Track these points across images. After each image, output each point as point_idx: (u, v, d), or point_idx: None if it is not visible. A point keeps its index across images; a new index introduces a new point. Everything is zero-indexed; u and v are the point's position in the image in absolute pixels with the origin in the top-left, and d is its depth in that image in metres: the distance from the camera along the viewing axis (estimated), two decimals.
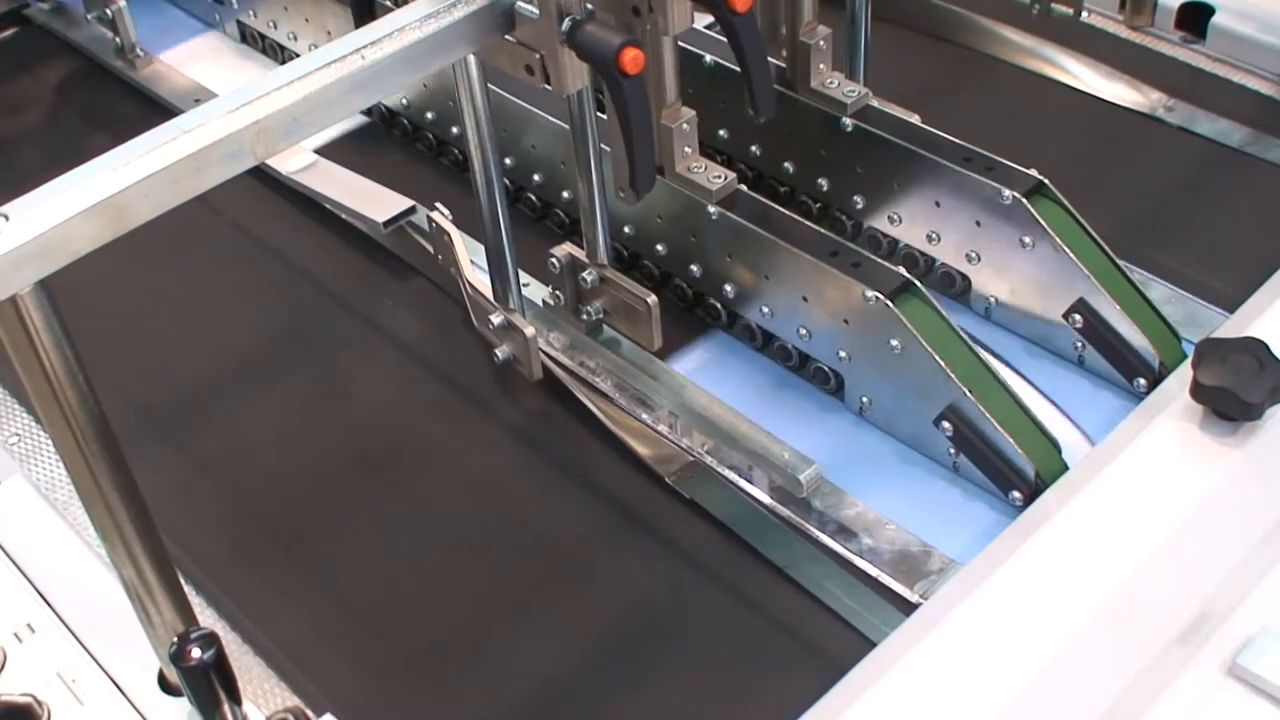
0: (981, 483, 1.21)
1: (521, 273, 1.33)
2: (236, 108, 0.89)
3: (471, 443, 1.32)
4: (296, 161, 1.60)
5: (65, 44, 1.95)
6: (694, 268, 1.36)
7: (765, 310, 1.31)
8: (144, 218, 0.85)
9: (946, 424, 1.20)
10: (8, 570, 1.15)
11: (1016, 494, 1.18)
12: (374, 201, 1.55)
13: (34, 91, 1.90)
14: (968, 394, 1.17)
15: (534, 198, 1.54)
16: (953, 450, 1.21)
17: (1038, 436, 1.19)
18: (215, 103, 0.89)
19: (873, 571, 1.15)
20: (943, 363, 1.17)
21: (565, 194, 1.50)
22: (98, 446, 0.89)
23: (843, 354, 1.26)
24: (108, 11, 1.83)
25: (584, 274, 1.31)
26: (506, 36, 1.03)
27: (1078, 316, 1.28)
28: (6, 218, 0.81)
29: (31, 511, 1.22)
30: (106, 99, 1.84)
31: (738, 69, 1.36)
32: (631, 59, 0.97)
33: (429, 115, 1.64)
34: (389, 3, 1.37)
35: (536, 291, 1.39)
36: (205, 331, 1.48)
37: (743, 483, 1.23)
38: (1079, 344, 1.29)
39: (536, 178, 1.52)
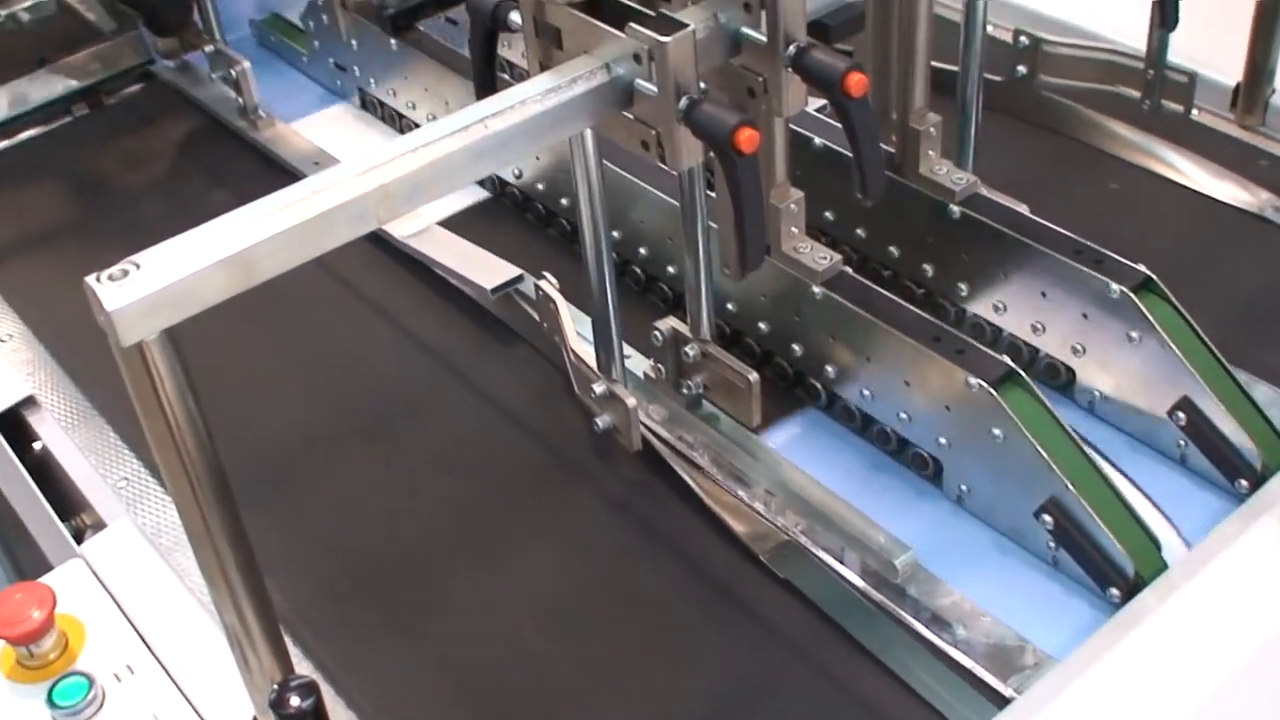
0: (1079, 578, 1.19)
1: (624, 344, 1.34)
2: (363, 171, 0.91)
3: (568, 509, 1.33)
4: (410, 226, 1.63)
5: (189, 102, 2.01)
6: (796, 347, 1.37)
7: (866, 392, 1.31)
8: (270, 273, 0.87)
9: (1047, 517, 1.19)
10: (111, 611, 1.18)
11: (1114, 590, 1.17)
12: (483, 268, 1.57)
13: (158, 146, 1.95)
14: (1069, 487, 1.16)
15: (639, 271, 1.56)
16: (1052, 544, 1.20)
17: (1138, 533, 1.18)
18: (343, 166, 0.92)
19: (966, 663, 1.14)
20: (1045, 455, 1.17)
21: (670, 269, 1.51)
22: (211, 493, 0.91)
23: (943, 440, 1.26)
24: (232, 72, 1.89)
25: (686, 348, 1.32)
26: (624, 112, 1.05)
27: (1181, 415, 1.27)
28: (138, 266, 0.83)
29: (137, 554, 1.26)
30: (227, 157, 1.89)
31: (846, 152, 1.38)
32: (747, 138, 0.98)
33: (540, 186, 1.67)
34: (506, 76, 1.40)
35: (638, 363, 1.41)
36: (312, 386, 1.51)
37: (837, 565, 1.23)
38: (1182, 442, 1.28)
39: (643, 251, 1.54)
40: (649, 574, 1.26)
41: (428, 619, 1.24)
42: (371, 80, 1.90)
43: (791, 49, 1.03)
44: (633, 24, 1.00)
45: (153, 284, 0.82)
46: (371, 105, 1.93)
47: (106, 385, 1.48)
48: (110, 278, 0.82)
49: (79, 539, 1.31)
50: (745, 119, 0.98)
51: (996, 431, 1.19)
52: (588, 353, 1.36)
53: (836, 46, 1.10)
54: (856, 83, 1.01)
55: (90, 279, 0.82)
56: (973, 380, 1.19)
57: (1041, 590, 1.21)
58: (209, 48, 1.95)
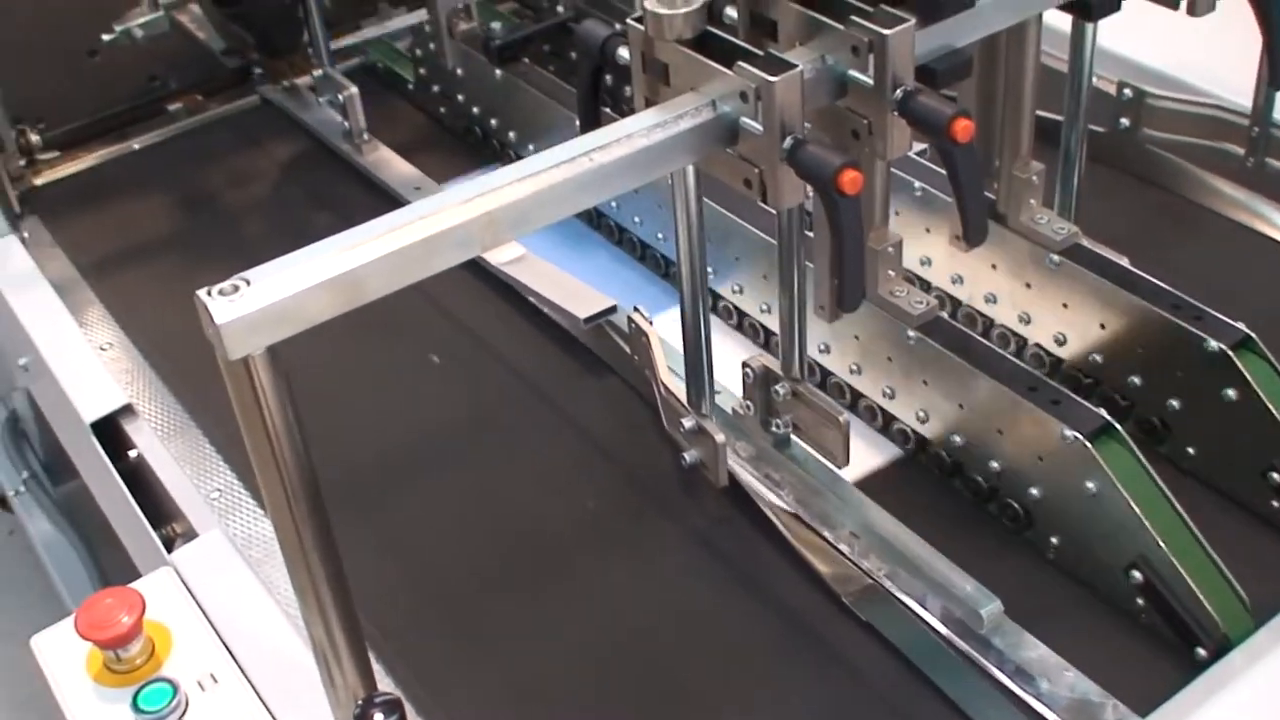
0: (1167, 635, 1.18)
1: (715, 380, 1.34)
2: (470, 198, 0.93)
3: (652, 542, 1.34)
4: (506, 253, 1.65)
5: (296, 124, 2.04)
6: (887, 389, 1.37)
7: (957, 439, 1.31)
8: (376, 294, 0.89)
9: (1136, 573, 1.18)
10: (198, 619, 1.20)
11: (1202, 650, 1.15)
12: (576, 298, 1.58)
13: (263, 166, 1.99)
14: (1160, 544, 1.15)
15: (731, 307, 1.56)
16: (1140, 600, 1.19)
17: (1227, 593, 1.16)
18: (451, 192, 0.93)
19: (1049, 716, 1.13)
20: (1137, 510, 1.16)
21: (763, 306, 1.52)
22: (306, 508, 0.92)
23: (1034, 491, 1.25)
24: (339, 97, 1.92)
25: (777, 386, 1.32)
26: (728, 149, 1.05)
27: (1275, 474, 1.25)
28: (248, 282, 0.85)
29: (226, 565, 1.27)
30: (331, 179, 1.92)
31: (946, 196, 1.38)
32: (850, 180, 0.98)
33: (636, 219, 1.68)
34: (607, 109, 1.41)
35: (727, 400, 1.41)
36: (402, 408, 1.53)
37: (921, 611, 1.22)
38: (1276, 502, 1.26)
39: (736, 287, 1.54)
40: (730, 610, 1.26)
41: (509, 642, 1.25)
42: (474, 109, 1.92)
43: (898, 93, 1.04)
44: (741, 63, 1.00)
45: (262, 300, 0.84)
46: (473, 133, 1.95)
47: (203, 396, 1.51)
48: (221, 292, 0.84)
49: (169, 547, 1.33)
50: (849, 161, 0.99)
51: (1089, 485, 1.18)
52: (678, 387, 1.36)
53: (942, 92, 1.10)
54: (963, 129, 1.01)
55: (201, 293, 0.84)
56: (1068, 432, 1.18)
57: (1128, 646, 1.19)
58: (317, 72, 1.98)
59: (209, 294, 0.84)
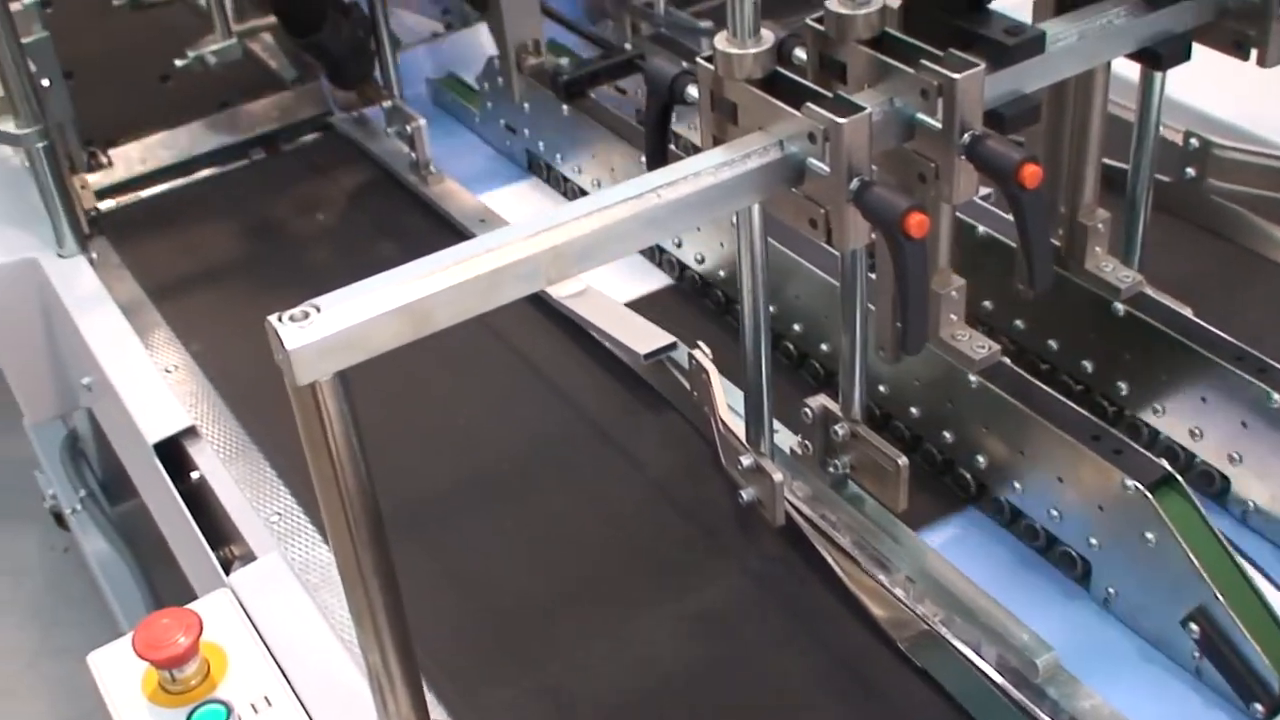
0: (1223, 690, 1.17)
1: (774, 419, 1.34)
2: (536, 232, 0.93)
3: (707, 579, 1.33)
4: (568, 287, 1.66)
5: (363, 153, 2.07)
6: (947, 434, 1.36)
7: (1017, 486, 1.30)
8: (442, 324, 0.90)
9: (1194, 626, 1.17)
10: (253, 642, 1.21)
11: (1259, 706, 1.14)
12: (637, 333, 1.59)
13: (330, 194, 2.01)
14: (1219, 597, 1.14)
15: (791, 346, 1.56)
16: (1197, 653, 1.18)
17: None
18: (518, 226, 0.94)
19: None
20: (1197, 562, 1.14)
21: (824, 346, 1.52)
22: (367, 535, 0.93)
23: (1093, 541, 1.24)
24: (407, 128, 1.94)
25: (836, 427, 1.32)
26: (794, 189, 1.06)
27: None
28: (318, 309, 0.86)
29: (284, 589, 1.28)
30: (396, 209, 1.94)
31: (1009, 242, 1.38)
32: (917, 223, 0.99)
33: (695, 256, 1.69)
34: (673, 147, 1.42)
35: (785, 439, 1.41)
36: (461, 438, 1.53)
37: (976, 658, 1.21)
38: None
39: (797, 327, 1.55)
40: (783, 650, 1.26)
41: (562, 676, 1.25)
42: (540, 143, 1.94)
43: (966, 137, 1.04)
44: (810, 104, 1.01)
45: (331, 327, 0.85)
46: (538, 167, 1.97)
47: (266, 420, 1.53)
48: (291, 318, 0.85)
49: (227, 569, 1.35)
50: (916, 204, 0.99)
51: (1149, 535, 1.17)
52: (736, 424, 1.36)
53: (1009, 137, 1.10)
54: (1031, 174, 1.01)
55: (272, 318, 0.85)
56: (1129, 482, 1.17)
57: (1183, 700, 1.18)
58: (386, 103, 2.01)
59: (279, 319, 0.85)
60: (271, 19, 1.98)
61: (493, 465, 1.49)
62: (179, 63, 1.95)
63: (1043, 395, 1.28)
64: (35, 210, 1.83)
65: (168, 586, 2.04)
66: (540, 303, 1.67)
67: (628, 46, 1.96)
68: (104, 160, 2.05)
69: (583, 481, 1.47)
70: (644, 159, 1.67)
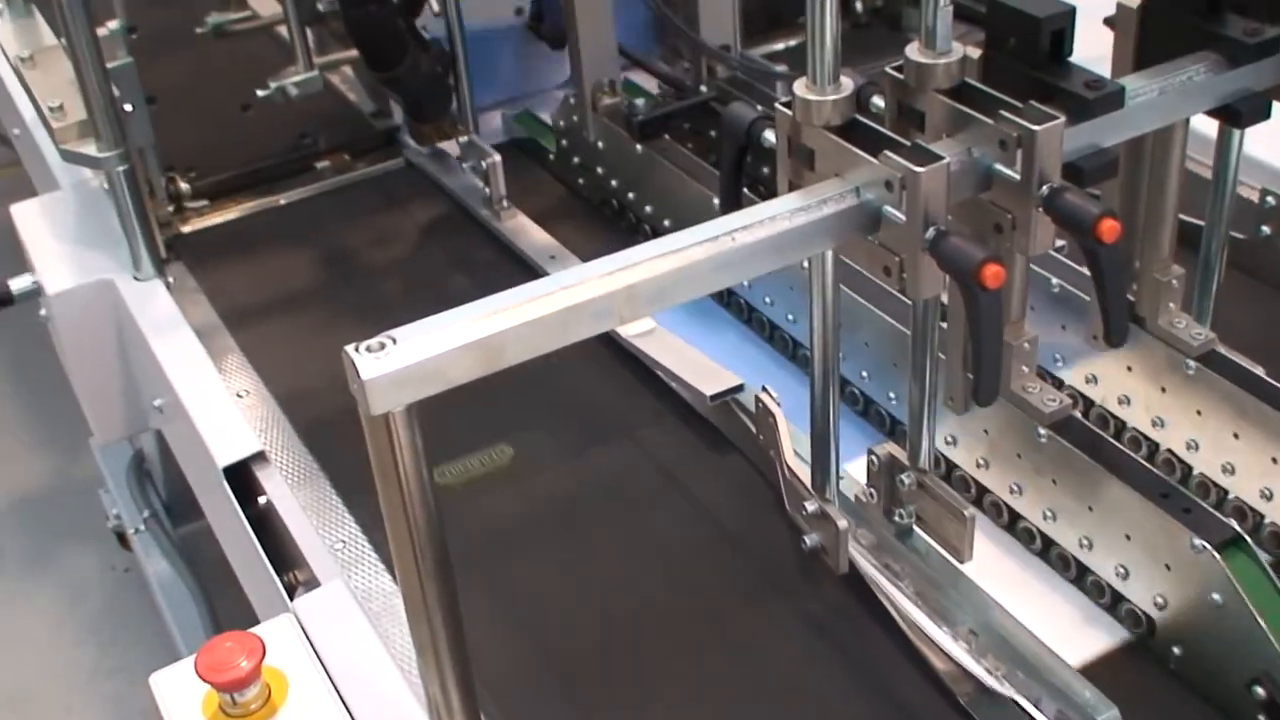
0: None
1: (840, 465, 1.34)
2: (611, 271, 0.94)
3: (768, 624, 1.33)
4: (636, 326, 1.66)
5: (437, 187, 2.08)
6: (1015, 486, 1.36)
7: (1084, 541, 1.29)
8: (515, 360, 0.90)
9: (1259, 689, 1.15)
10: (314, 668, 1.21)
11: None
12: (704, 374, 1.59)
13: (403, 226, 2.03)
14: None
15: (858, 392, 1.56)
16: (1261, 716, 1.16)
17: None
18: (593, 264, 0.95)
19: None
20: (1264, 625, 1.13)
21: (891, 394, 1.51)
22: (433, 566, 0.94)
23: (1159, 599, 1.22)
24: (482, 163, 1.95)
25: (902, 476, 1.32)
26: (869, 237, 1.06)
27: None
28: (394, 341, 0.87)
29: (345, 616, 1.29)
30: (468, 243, 1.95)
31: (1082, 294, 1.37)
32: (993, 274, 0.98)
33: (767, 299, 1.69)
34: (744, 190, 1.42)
35: (850, 486, 1.40)
36: (525, 473, 1.54)
37: (1038, 715, 1.20)
38: None
39: (864, 374, 1.54)
40: (843, 700, 1.25)
41: (618, 715, 1.24)
42: (613, 181, 1.95)
43: (1044, 189, 1.04)
44: (887, 152, 1.01)
45: (407, 359, 0.86)
46: (610, 205, 1.98)
47: (334, 447, 1.54)
48: (368, 349, 0.86)
49: (290, 595, 1.35)
50: (992, 255, 0.99)
51: (1216, 596, 1.16)
52: (802, 470, 1.36)
53: (1087, 190, 1.09)
54: (1110, 229, 1.01)
55: (349, 348, 0.86)
56: (1198, 542, 1.16)
57: None
58: (463, 138, 2.02)
59: (356, 349, 0.86)
60: (353, 53, 2.01)
61: (555, 500, 1.50)
62: (261, 93, 1.98)
63: (1112, 450, 1.27)
64: (113, 233, 1.86)
65: (227, 610, 2.06)
66: (607, 339, 1.67)
67: (703, 88, 1.96)
68: (183, 185, 2.08)
69: (645, 521, 1.47)
70: (716, 200, 1.68)
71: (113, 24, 1.84)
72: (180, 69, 2.23)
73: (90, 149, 1.79)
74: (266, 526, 1.46)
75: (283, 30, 2.01)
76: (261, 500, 1.49)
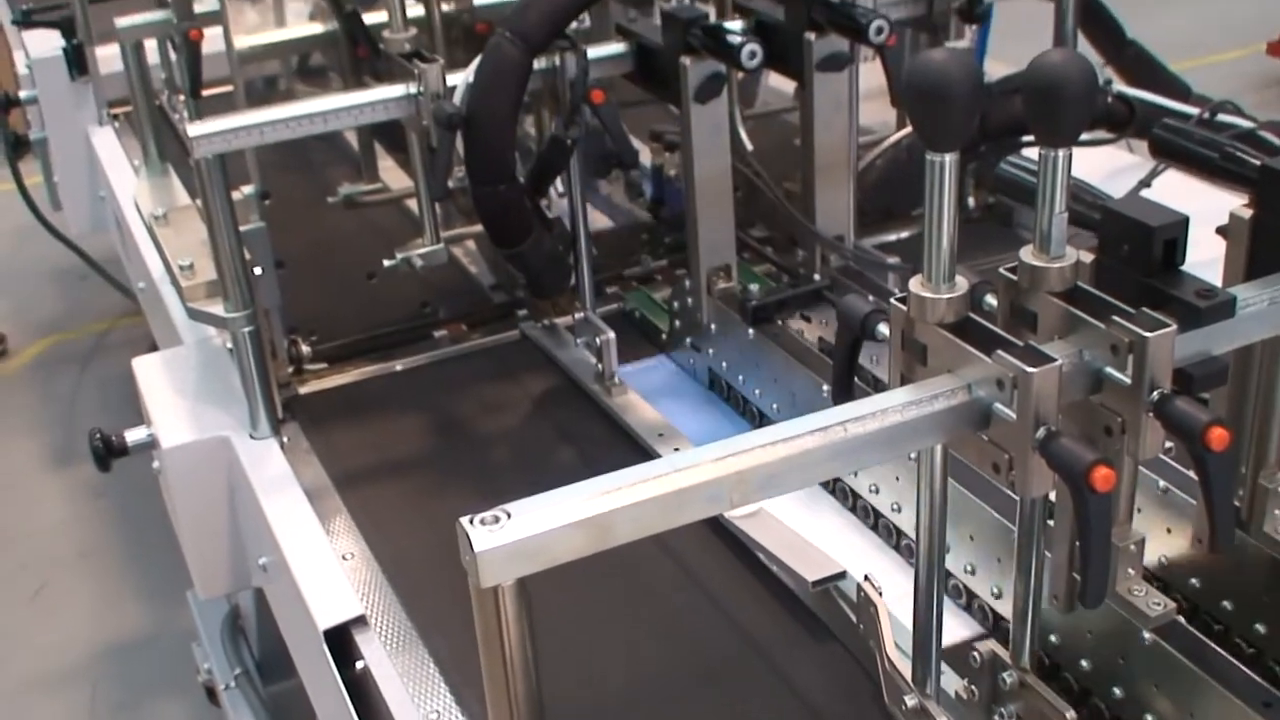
0: None
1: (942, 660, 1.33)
2: (723, 456, 0.96)
3: None
4: (741, 508, 1.67)
5: (550, 360, 2.12)
6: (1116, 690, 1.33)
7: None
8: (624, 539, 0.92)
9: None
10: None
11: None
12: (806, 560, 1.59)
13: (515, 398, 2.06)
14: None
15: (961, 586, 1.55)
16: None
17: None
18: (706, 449, 0.97)
19: None
20: None
21: (994, 589, 1.50)
22: None
23: None
24: (596, 340, 1.99)
25: (1004, 674, 1.30)
26: (979, 433, 1.07)
27: None
28: (509, 515, 0.89)
29: None
30: (578, 417, 1.97)
31: (1188, 497, 1.36)
32: (1103, 477, 0.99)
33: (872, 487, 1.69)
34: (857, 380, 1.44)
35: (949, 680, 1.39)
36: (622, 651, 1.54)
37: None
38: None
39: (968, 567, 1.53)
40: None
41: None
42: (723, 363, 1.97)
43: (1155, 395, 1.04)
44: (1000, 351, 1.03)
45: (520, 533, 0.88)
46: (719, 386, 2.00)
47: (434, 614, 1.55)
48: (483, 522, 0.88)
49: None
50: (1102, 458, 1.00)
51: None
52: (902, 663, 1.35)
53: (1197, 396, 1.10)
54: (1219, 438, 1.01)
55: (464, 520, 0.88)
56: None
57: None
58: (578, 315, 2.07)
59: (471, 522, 0.88)
60: (478, 228, 2.07)
61: (651, 680, 1.50)
62: (387, 263, 2.04)
63: (1216, 657, 1.25)
64: (232, 391, 1.91)
65: None
66: (711, 520, 1.68)
67: (816, 277, 2.00)
68: (304, 348, 2.14)
69: (741, 707, 1.46)
70: (826, 387, 1.70)
71: (247, 189, 1.90)
72: (309, 235, 2.31)
73: (218, 309, 1.84)
74: (362, 692, 1.46)
75: (411, 204, 2.08)
76: (359, 665, 1.50)
